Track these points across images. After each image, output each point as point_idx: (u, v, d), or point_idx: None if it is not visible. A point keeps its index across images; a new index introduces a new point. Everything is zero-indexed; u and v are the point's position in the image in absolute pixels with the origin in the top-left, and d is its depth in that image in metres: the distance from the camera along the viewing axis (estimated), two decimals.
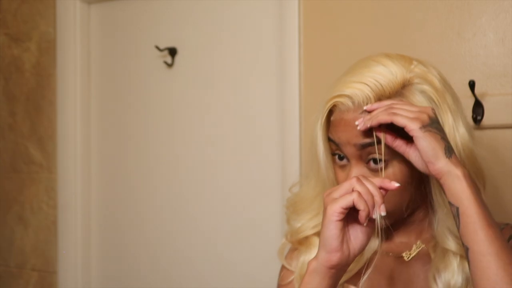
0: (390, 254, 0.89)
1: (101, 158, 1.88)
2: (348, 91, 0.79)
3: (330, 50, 1.45)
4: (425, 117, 0.75)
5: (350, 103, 0.79)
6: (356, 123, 0.78)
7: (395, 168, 0.80)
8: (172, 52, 1.72)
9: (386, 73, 0.79)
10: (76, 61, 1.84)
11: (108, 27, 1.87)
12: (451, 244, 0.82)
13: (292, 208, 0.96)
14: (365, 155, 0.80)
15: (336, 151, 0.84)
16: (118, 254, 1.85)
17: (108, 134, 1.87)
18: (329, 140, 0.84)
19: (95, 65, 1.89)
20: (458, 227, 0.73)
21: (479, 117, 1.24)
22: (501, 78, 1.26)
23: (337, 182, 0.86)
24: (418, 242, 0.88)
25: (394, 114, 0.75)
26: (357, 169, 0.81)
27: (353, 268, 0.88)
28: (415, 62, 0.83)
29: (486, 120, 1.25)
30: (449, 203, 0.73)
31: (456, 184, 0.72)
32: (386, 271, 0.89)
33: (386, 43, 1.38)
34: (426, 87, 0.80)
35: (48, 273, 1.91)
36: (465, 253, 0.72)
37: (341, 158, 0.83)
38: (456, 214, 0.73)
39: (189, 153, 1.72)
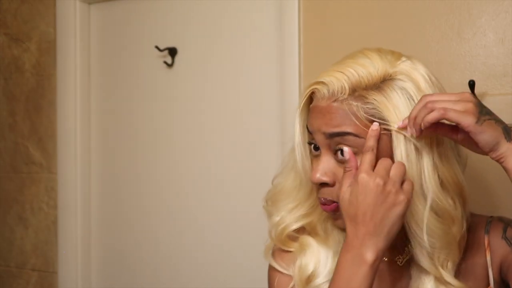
0: (385, 259, 0.87)
1: (101, 158, 1.88)
2: (326, 79, 0.79)
3: (330, 50, 1.45)
4: (471, 107, 0.73)
5: (325, 91, 0.79)
6: (408, 133, 0.75)
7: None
8: (172, 52, 1.72)
9: (368, 65, 0.78)
10: (76, 61, 1.84)
11: (108, 27, 1.87)
12: (426, 263, 0.80)
13: (271, 201, 0.93)
14: (334, 144, 0.79)
15: (311, 141, 0.83)
16: (118, 254, 1.85)
17: (108, 134, 1.87)
18: (307, 128, 0.83)
19: (95, 65, 1.89)
20: None
21: None
22: (501, 78, 1.26)
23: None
24: (409, 246, 0.84)
25: (445, 110, 0.72)
26: (325, 159, 0.80)
27: None
28: (403, 59, 0.81)
29: None
30: None
31: None
32: (380, 276, 0.86)
33: (386, 43, 1.37)
34: (408, 85, 0.78)
35: (48, 273, 1.91)
36: None
37: (316, 148, 0.82)
38: None
39: (189, 152, 1.72)
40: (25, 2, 1.94)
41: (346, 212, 0.73)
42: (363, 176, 0.72)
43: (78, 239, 1.85)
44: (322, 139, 0.79)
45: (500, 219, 0.91)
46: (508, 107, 1.23)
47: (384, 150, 0.77)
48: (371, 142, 0.75)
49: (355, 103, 0.77)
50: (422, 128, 0.74)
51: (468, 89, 1.23)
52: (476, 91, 1.23)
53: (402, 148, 0.76)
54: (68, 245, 1.86)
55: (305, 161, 0.85)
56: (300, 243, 0.89)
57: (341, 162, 0.79)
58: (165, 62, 1.73)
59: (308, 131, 0.83)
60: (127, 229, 1.83)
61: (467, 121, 0.72)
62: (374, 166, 0.74)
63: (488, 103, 1.24)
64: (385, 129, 0.76)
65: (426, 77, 0.80)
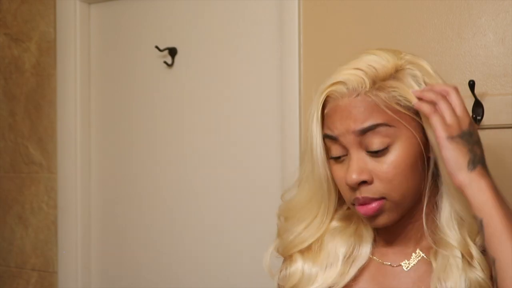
0: (389, 263, 0.85)
1: (101, 158, 1.88)
2: (341, 78, 0.78)
3: (330, 50, 1.45)
4: (457, 127, 0.74)
5: (344, 89, 0.78)
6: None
7: (399, 150, 0.77)
8: (172, 52, 1.72)
9: (378, 59, 0.79)
10: (76, 61, 1.84)
11: (108, 27, 1.87)
12: (454, 237, 0.79)
13: (284, 216, 0.91)
14: (364, 140, 0.77)
15: (333, 154, 0.80)
16: (118, 254, 1.85)
17: (108, 134, 1.87)
18: (325, 137, 0.80)
19: (95, 65, 1.89)
20: (483, 239, 0.73)
21: (479, 117, 1.24)
22: (501, 78, 1.26)
23: (335, 180, 0.82)
24: (417, 251, 0.84)
25: (435, 112, 0.75)
26: (357, 157, 0.77)
27: (343, 279, 0.84)
28: (404, 52, 0.83)
29: (486, 120, 1.25)
30: (474, 216, 0.73)
31: (478, 196, 0.72)
32: (384, 282, 0.85)
33: (386, 43, 1.37)
34: (417, 73, 0.80)
35: (48, 273, 1.91)
36: (492, 264, 0.72)
37: (338, 158, 0.80)
38: (480, 226, 0.72)
39: (189, 152, 1.72)
40: (25, 2, 1.94)
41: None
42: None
43: (78, 239, 1.85)
44: (352, 139, 0.77)
45: None
46: (508, 107, 1.23)
47: (412, 135, 0.77)
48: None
49: (379, 93, 0.77)
50: (417, 95, 0.77)
51: (468, 89, 1.23)
52: (476, 91, 1.23)
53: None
54: (68, 245, 1.85)
55: (327, 169, 0.82)
56: (289, 259, 0.89)
57: (376, 156, 0.77)
58: (165, 62, 1.73)
59: (329, 138, 0.80)
60: (127, 229, 1.83)
61: (441, 133, 0.74)
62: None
63: (488, 103, 1.24)
64: (412, 113, 0.78)
65: (430, 65, 0.83)
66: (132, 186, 1.82)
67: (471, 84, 1.21)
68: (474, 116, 1.25)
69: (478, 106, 1.24)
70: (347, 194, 0.80)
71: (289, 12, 1.49)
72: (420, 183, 0.80)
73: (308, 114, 0.83)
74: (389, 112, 0.76)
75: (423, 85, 0.79)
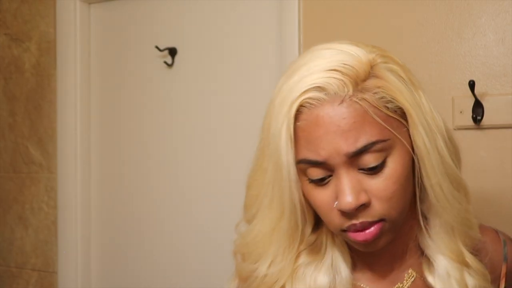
0: None
1: (101, 158, 1.88)
2: (316, 82, 0.62)
3: None
4: None
5: (322, 95, 0.62)
6: None
7: (396, 161, 0.65)
8: (172, 52, 1.72)
9: (347, 55, 0.64)
10: (76, 61, 1.84)
11: (108, 27, 1.87)
12: (447, 247, 0.71)
13: (242, 254, 0.77)
14: (357, 159, 0.63)
15: (314, 177, 0.65)
16: (118, 254, 1.85)
17: (108, 134, 1.87)
18: (304, 162, 0.65)
19: (95, 65, 1.89)
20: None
21: (479, 117, 1.24)
22: (501, 78, 1.26)
23: (314, 206, 0.68)
24: (409, 270, 0.74)
25: None
26: (350, 176, 0.63)
27: None
28: (365, 43, 0.69)
29: (486, 120, 1.25)
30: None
31: None
32: None
33: (386, 43, 1.37)
34: (392, 66, 0.66)
35: (48, 273, 1.91)
36: None
37: (322, 181, 0.65)
38: None
39: (189, 152, 1.72)
40: (25, 2, 1.94)
41: None
42: None
43: (78, 239, 1.85)
44: (342, 161, 0.63)
45: None
46: (508, 107, 1.23)
47: (408, 142, 0.66)
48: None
49: (364, 96, 0.62)
50: None
51: (468, 89, 1.23)
52: (476, 91, 1.23)
53: (423, 135, 0.65)
54: (68, 245, 1.85)
55: (301, 197, 0.68)
56: None
57: (369, 172, 0.64)
58: (165, 62, 1.73)
59: (309, 162, 0.64)
60: (127, 229, 1.83)
61: None
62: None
63: (488, 103, 1.24)
64: (400, 117, 0.65)
65: (396, 57, 0.70)
66: (132, 186, 1.82)
67: (471, 84, 1.21)
68: (474, 116, 1.25)
69: (478, 106, 1.24)
70: (336, 221, 0.66)
71: (289, 12, 1.49)
72: (412, 195, 0.69)
73: (270, 129, 0.67)
74: (380, 120, 0.62)
75: (403, 78, 0.66)
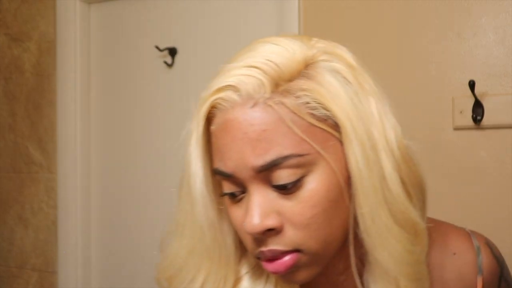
0: None
1: (101, 158, 1.88)
2: (230, 80, 0.55)
3: None
4: None
5: (235, 96, 0.54)
6: None
7: (317, 181, 0.53)
8: (172, 52, 1.72)
9: (280, 50, 0.55)
10: (76, 61, 1.84)
11: (108, 27, 1.87)
12: None
13: (165, 278, 0.67)
14: (270, 175, 0.53)
15: (226, 190, 0.56)
16: (118, 254, 1.85)
17: (108, 134, 1.87)
18: (215, 172, 0.56)
19: (95, 65, 1.89)
20: None
21: (479, 117, 1.24)
22: (501, 78, 1.26)
23: (232, 224, 0.58)
24: None
25: None
26: (260, 194, 0.53)
27: None
28: (315, 39, 0.61)
29: (486, 120, 1.25)
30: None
31: None
32: None
33: (386, 43, 1.38)
34: (337, 65, 0.56)
35: (48, 273, 1.91)
36: None
37: (234, 196, 0.56)
38: None
39: None
40: (25, 2, 1.94)
41: None
42: None
43: (78, 239, 1.85)
44: (251, 175, 0.53)
45: (492, 253, 0.68)
46: (508, 107, 1.23)
47: (337, 159, 0.54)
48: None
49: (283, 100, 0.52)
50: None
51: (468, 89, 1.23)
52: (476, 91, 1.23)
53: (356, 153, 0.53)
54: (68, 245, 1.86)
55: (211, 215, 0.59)
56: None
57: (286, 193, 0.53)
58: (165, 62, 1.73)
59: (219, 173, 0.56)
60: (127, 229, 1.83)
61: None
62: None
63: (488, 103, 1.25)
64: (330, 128, 0.54)
65: (351, 53, 0.59)
66: (132, 186, 1.82)
67: (471, 84, 1.21)
68: (474, 116, 1.25)
69: (478, 106, 1.24)
70: (249, 245, 0.56)
71: (289, 12, 1.49)
72: (346, 225, 0.56)
73: (185, 133, 0.60)
74: (298, 131, 0.52)
75: (349, 81, 0.55)
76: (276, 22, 1.55)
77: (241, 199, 0.56)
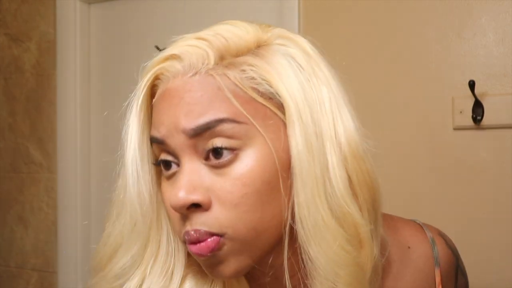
0: None
1: (101, 158, 1.88)
2: (175, 50, 0.54)
3: (329, 50, 1.45)
4: None
5: (178, 66, 0.53)
6: None
7: (252, 159, 0.50)
8: None
9: (232, 28, 0.54)
10: (76, 61, 1.84)
11: (108, 27, 1.87)
12: None
13: (94, 268, 0.62)
14: (203, 143, 0.50)
15: (161, 157, 0.53)
16: None
17: (108, 134, 1.87)
18: (152, 141, 0.54)
19: (95, 65, 1.89)
20: None
21: (479, 117, 1.24)
22: (501, 78, 1.26)
23: (164, 203, 0.55)
24: None
25: None
26: (190, 168, 0.51)
27: None
28: (274, 26, 0.58)
29: (486, 120, 1.25)
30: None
31: None
32: None
33: (386, 42, 1.38)
34: (293, 50, 0.54)
35: (48, 273, 1.91)
36: None
37: (167, 165, 0.53)
38: None
39: None
40: (25, 2, 1.94)
41: None
42: None
43: (78, 239, 1.85)
44: (182, 142, 0.51)
45: (447, 244, 0.66)
46: (508, 107, 1.23)
47: (277, 139, 0.51)
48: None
49: (226, 72, 0.51)
50: None
51: (468, 89, 1.23)
52: (476, 91, 1.23)
53: (298, 135, 0.51)
54: (68, 245, 1.86)
55: (143, 187, 0.56)
56: None
57: (218, 167, 0.50)
58: None
59: (152, 141, 0.54)
60: None
61: None
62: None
63: (488, 103, 1.25)
64: (274, 107, 0.52)
65: (310, 44, 0.57)
66: None
67: (471, 84, 1.21)
68: (474, 116, 1.25)
69: (478, 106, 1.24)
70: (176, 226, 0.53)
71: (289, 12, 1.49)
72: (283, 215, 0.52)
73: (126, 104, 0.58)
74: (237, 101, 0.50)
75: (303, 68, 0.53)
76: (276, 22, 1.55)
77: (173, 175, 0.53)
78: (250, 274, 0.57)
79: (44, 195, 1.91)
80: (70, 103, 1.85)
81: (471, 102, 1.25)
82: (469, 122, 1.26)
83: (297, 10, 1.47)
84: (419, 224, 0.66)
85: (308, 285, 0.53)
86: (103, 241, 0.59)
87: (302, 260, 0.52)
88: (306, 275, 0.52)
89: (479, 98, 1.24)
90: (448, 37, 1.32)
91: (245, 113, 0.50)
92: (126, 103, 0.57)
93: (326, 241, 0.50)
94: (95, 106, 1.89)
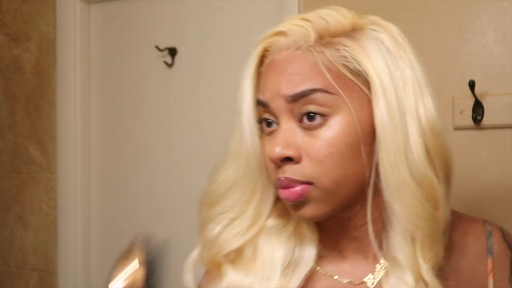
0: (349, 280, 0.68)
1: (101, 158, 1.88)
2: (283, 27, 0.64)
3: None
4: None
5: (284, 41, 0.63)
6: None
7: (338, 125, 0.60)
8: (172, 52, 1.72)
9: (333, 12, 0.64)
10: (76, 61, 1.84)
11: (108, 27, 1.87)
12: (404, 255, 0.62)
13: (207, 205, 0.74)
14: (298, 108, 0.61)
15: (263, 116, 0.64)
16: (118, 254, 1.85)
17: (108, 134, 1.87)
18: (258, 103, 0.65)
19: (95, 65, 1.89)
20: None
21: (479, 117, 1.24)
22: (501, 78, 1.26)
23: (263, 156, 0.65)
24: (382, 261, 0.66)
25: None
26: (287, 127, 0.62)
27: None
28: (370, 14, 0.69)
29: (486, 120, 1.25)
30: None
31: None
32: None
33: None
34: (383, 36, 0.63)
35: (48, 273, 1.91)
36: None
37: (269, 124, 0.64)
38: None
39: (188, 152, 1.72)
40: (25, 2, 1.94)
41: None
42: None
43: (78, 239, 1.85)
44: (282, 105, 0.61)
45: (504, 238, 0.71)
46: (508, 107, 1.23)
47: (361, 110, 0.61)
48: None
49: (323, 49, 0.61)
50: None
51: (468, 89, 1.23)
52: (476, 91, 1.23)
53: (382, 107, 0.60)
54: (68, 245, 1.86)
55: (256, 141, 0.66)
56: (220, 273, 0.71)
57: (309, 129, 0.61)
58: (165, 62, 1.73)
59: (258, 103, 0.65)
60: (127, 229, 1.83)
61: None
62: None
63: (488, 103, 1.24)
64: (361, 83, 0.61)
65: (400, 31, 0.66)
66: (132, 186, 1.82)
67: (471, 84, 1.21)
68: (474, 116, 1.25)
69: (478, 106, 1.24)
70: (271, 173, 0.64)
71: (289, 12, 1.49)
72: (362, 175, 0.62)
73: (240, 71, 0.68)
74: (330, 75, 0.60)
75: (391, 52, 0.62)
76: (276, 21, 1.54)
77: (273, 132, 0.63)
78: (322, 224, 0.68)
79: (44, 195, 1.91)
80: (70, 103, 1.85)
81: (471, 102, 1.25)
82: (469, 122, 1.26)
83: (297, 10, 1.48)
84: (481, 218, 0.73)
85: (383, 237, 0.64)
86: (218, 180, 0.71)
87: (381, 213, 0.63)
88: (384, 227, 0.63)
89: (479, 98, 1.24)
90: (448, 37, 1.32)
91: (335, 85, 0.60)
92: (245, 69, 0.68)
93: (407, 197, 0.60)
94: (95, 106, 1.89)
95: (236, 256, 0.69)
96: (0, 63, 2.01)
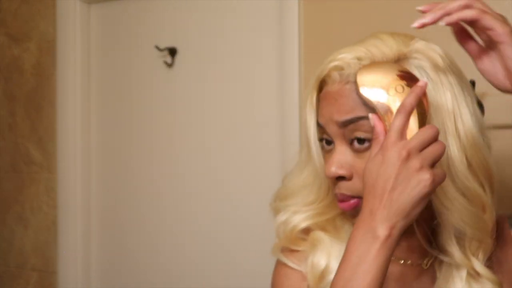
0: (409, 262, 0.79)
1: (101, 158, 1.88)
2: (338, 64, 0.73)
3: (330, 50, 1.45)
4: (509, 24, 0.72)
5: (337, 75, 0.73)
6: (415, 24, 0.73)
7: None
8: (172, 52, 1.72)
9: (380, 44, 0.74)
10: (76, 61, 1.84)
11: (108, 27, 1.87)
12: (453, 254, 0.73)
13: (279, 199, 0.86)
14: (348, 134, 0.71)
15: (323, 136, 0.76)
16: (118, 254, 1.85)
17: (108, 134, 1.87)
18: (318, 125, 0.76)
19: (95, 65, 1.89)
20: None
21: None
22: None
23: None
24: (434, 245, 0.77)
25: (483, 11, 0.74)
26: (340, 150, 0.72)
27: None
28: (417, 39, 0.78)
29: (486, 120, 1.25)
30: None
31: None
32: (410, 280, 0.79)
33: None
34: (424, 63, 0.73)
35: (48, 273, 1.91)
36: None
37: (328, 143, 0.75)
38: None
39: (189, 152, 1.72)
40: (25, 2, 1.94)
41: (365, 183, 0.66)
42: (387, 144, 0.64)
43: (78, 239, 1.85)
44: (335, 130, 0.72)
45: None
46: (508, 107, 1.23)
47: None
48: (410, 99, 0.65)
49: None
50: (441, 20, 0.76)
51: None
52: (476, 91, 1.23)
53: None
54: (68, 245, 1.85)
55: (320, 157, 0.77)
56: (311, 239, 0.80)
57: (359, 151, 0.71)
58: (165, 62, 1.73)
59: (318, 125, 0.75)
60: (127, 229, 1.83)
61: (503, 28, 0.73)
62: (404, 132, 0.65)
63: (488, 103, 1.24)
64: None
65: (443, 55, 0.77)
66: (132, 186, 1.82)
67: (472, 84, 1.21)
68: None
69: (478, 106, 1.24)
70: (331, 186, 0.76)
71: (289, 12, 1.49)
72: None
73: (303, 98, 0.80)
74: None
75: (431, 77, 0.72)
76: (276, 21, 1.55)
77: (330, 150, 0.74)
78: None
79: (44, 195, 1.91)
80: (70, 103, 1.85)
81: None
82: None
83: (297, 10, 1.48)
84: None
85: (436, 233, 0.74)
86: (293, 180, 0.83)
87: (431, 221, 0.74)
88: (433, 229, 0.74)
89: (479, 98, 1.24)
90: (448, 37, 1.31)
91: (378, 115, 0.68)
92: (307, 96, 0.79)
93: (454, 207, 0.70)
94: (95, 106, 1.89)
95: (321, 229, 0.80)
96: (0, 63, 2.01)
